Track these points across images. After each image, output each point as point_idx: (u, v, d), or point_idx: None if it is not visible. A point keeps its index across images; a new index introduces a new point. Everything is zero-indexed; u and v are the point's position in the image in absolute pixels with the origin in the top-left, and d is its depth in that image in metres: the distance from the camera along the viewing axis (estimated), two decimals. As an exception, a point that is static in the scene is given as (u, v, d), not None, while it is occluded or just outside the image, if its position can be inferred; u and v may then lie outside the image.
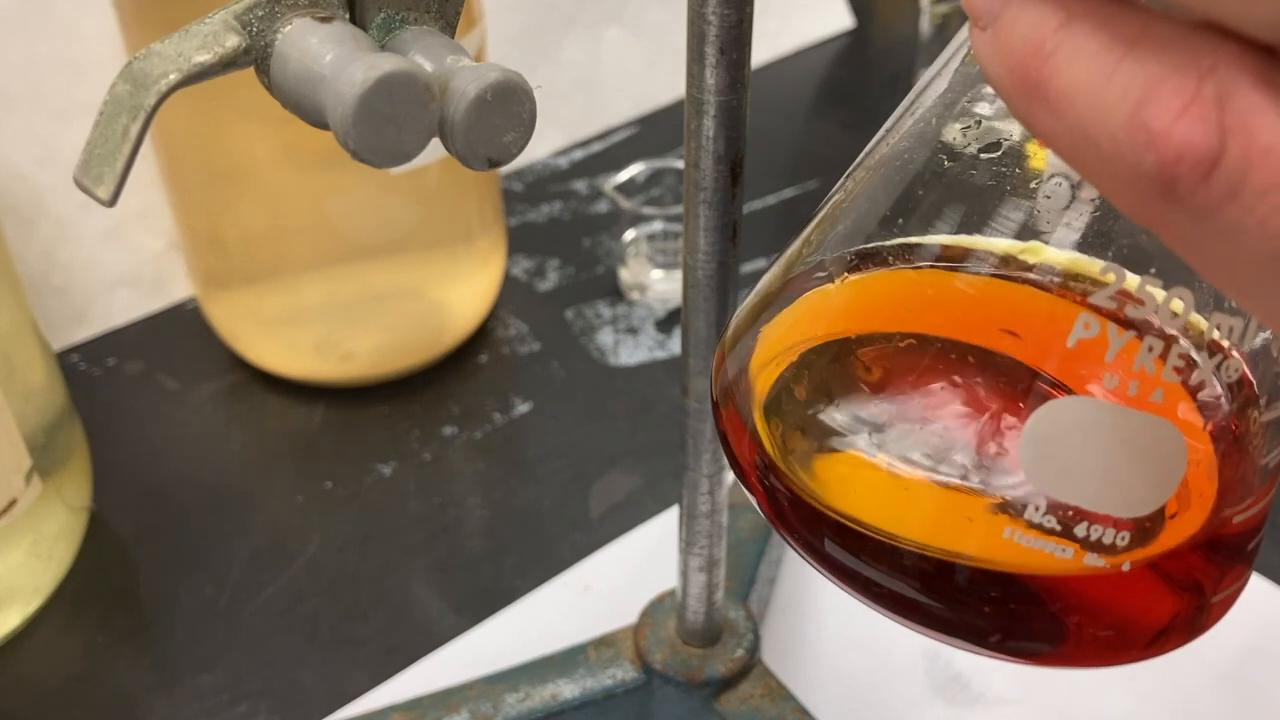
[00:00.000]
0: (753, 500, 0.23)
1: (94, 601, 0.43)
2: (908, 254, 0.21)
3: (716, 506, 0.32)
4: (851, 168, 0.23)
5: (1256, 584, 0.43)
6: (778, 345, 0.22)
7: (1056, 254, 0.20)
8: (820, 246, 0.22)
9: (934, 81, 0.21)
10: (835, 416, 0.21)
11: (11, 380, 0.39)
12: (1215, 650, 0.41)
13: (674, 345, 0.53)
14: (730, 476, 0.27)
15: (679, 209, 0.55)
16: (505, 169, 0.63)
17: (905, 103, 0.22)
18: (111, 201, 0.19)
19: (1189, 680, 0.40)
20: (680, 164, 0.47)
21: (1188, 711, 0.39)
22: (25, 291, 0.42)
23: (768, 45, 0.73)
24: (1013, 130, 0.20)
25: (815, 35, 0.76)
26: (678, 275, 0.55)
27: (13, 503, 0.40)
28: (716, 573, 0.34)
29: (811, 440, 0.21)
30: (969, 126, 0.21)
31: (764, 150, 0.64)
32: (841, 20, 0.77)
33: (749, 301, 0.24)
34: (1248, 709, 0.39)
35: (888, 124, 0.22)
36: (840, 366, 0.21)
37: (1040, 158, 0.20)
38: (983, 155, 0.20)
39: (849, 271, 0.22)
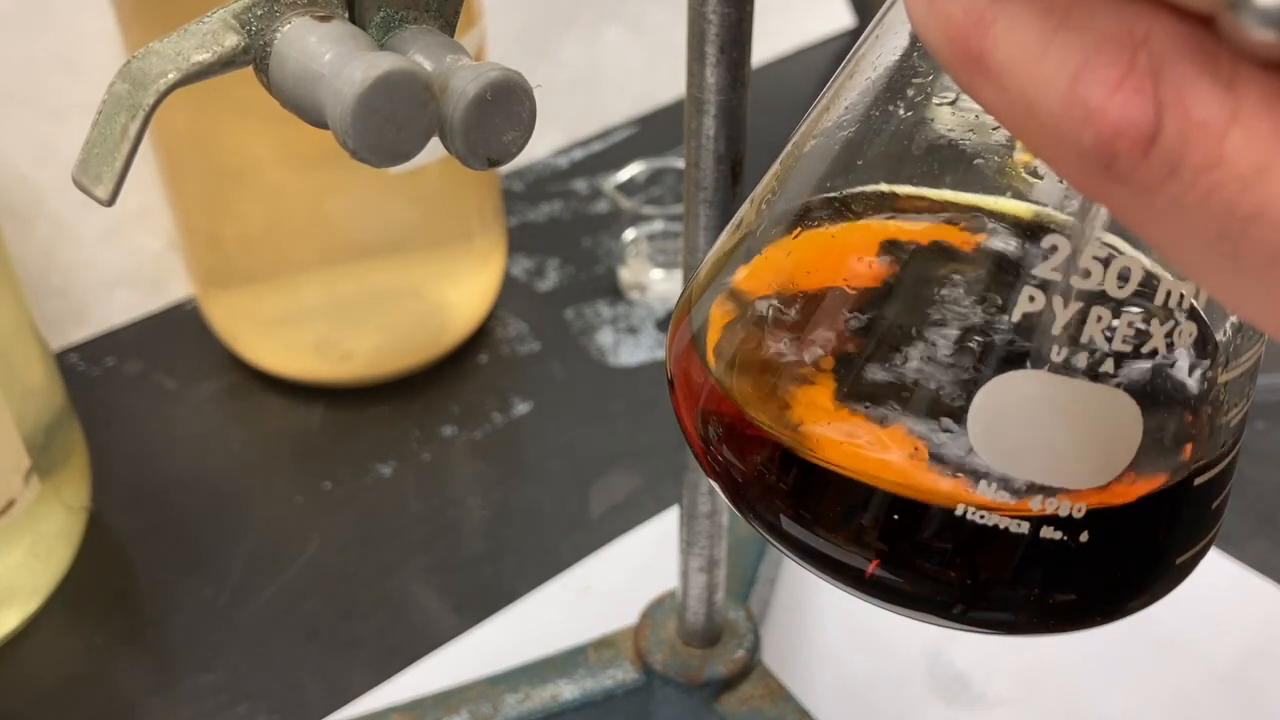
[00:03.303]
0: (715, 486, 0.22)
1: (93, 601, 0.43)
2: (856, 211, 0.21)
3: (717, 507, 0.32)
4: (794, 134, 0.22)
5: (1257, 584, 0.43)
6: (722, 316, 0.22)
7: (1003, 203, 0.19)
8: (765, 208, 0.22)
9: (881, 34, 0.21)
10: (779, 388, 0.20)
11: (10, 380, 0.39)
12: (1215, 650, 0.41)
13: (674, 345, 0.53)
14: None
15: (679, 209, 0.55)
16: (505, 169, 0.63)
17: (856, 47, 0.21)
18: (110, 201, 0.19)
19: (1189, 680, 0.40)
20: (680, 163, 0.47)
21: (1188, 711, 0.39)
22: (24, 291, 0.42)
23: (768, 45, 0.73)
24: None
25: (815, 35, 0.76)
26: (678, 275, 0.55)
27: (11, 503, 0.40)
28: (716, 573, 0.34)
29: (758, 413, 0.21)
30: (925, 82, 0.20)
31: (764, 150, 0.63)
32: (841, 20, 0.77)
33: (690, 286, 0.23)
34: (1248, 709, 0.39)
35: (838, 72, 0.22)
36: (785, 333, 0.21)
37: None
38: (939, 108, 0.20)
39: (793, 231, 0.21)
